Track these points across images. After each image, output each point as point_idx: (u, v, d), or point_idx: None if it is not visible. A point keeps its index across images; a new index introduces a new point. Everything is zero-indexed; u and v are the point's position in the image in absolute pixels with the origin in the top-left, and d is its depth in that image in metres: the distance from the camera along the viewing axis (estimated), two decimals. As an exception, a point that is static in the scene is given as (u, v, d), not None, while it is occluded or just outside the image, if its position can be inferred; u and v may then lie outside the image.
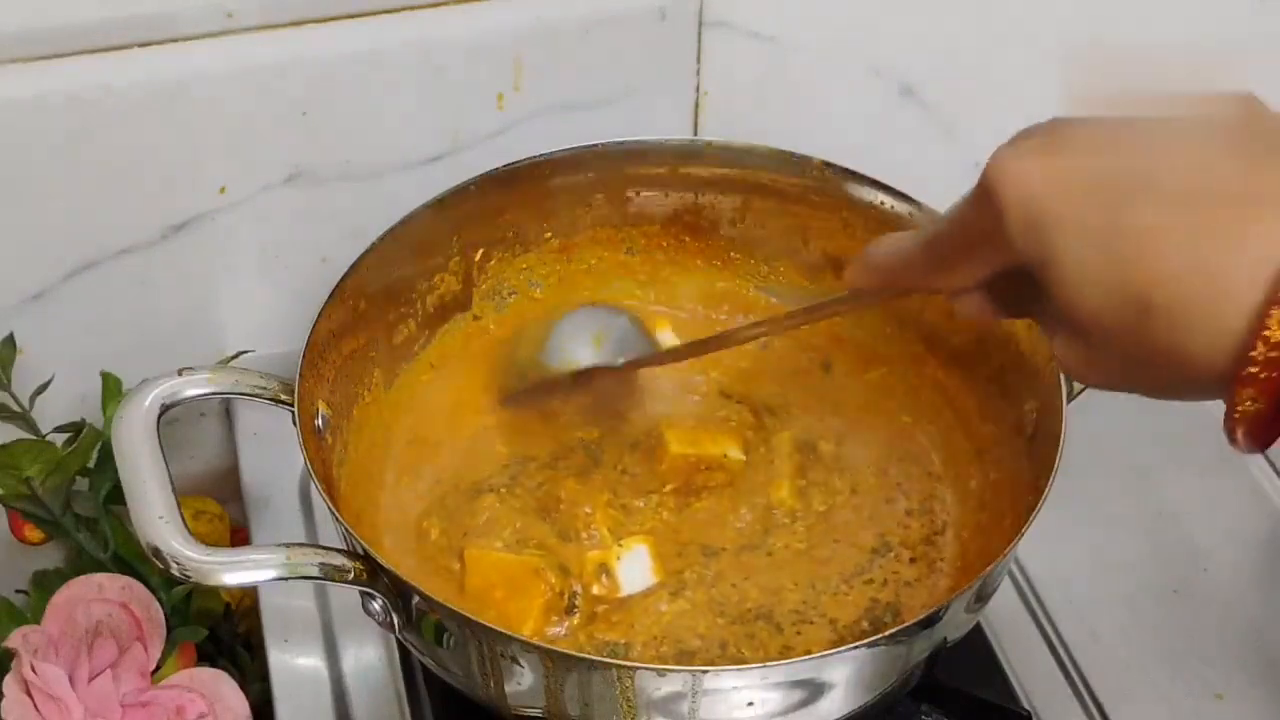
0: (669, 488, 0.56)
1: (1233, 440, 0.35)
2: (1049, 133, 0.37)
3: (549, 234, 0.63)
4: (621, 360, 0.56)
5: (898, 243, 0.44)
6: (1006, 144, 0.37)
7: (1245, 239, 0.33)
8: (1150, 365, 0.35)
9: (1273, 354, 0.32)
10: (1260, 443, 0.35)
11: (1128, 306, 0.35)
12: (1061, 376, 0.51)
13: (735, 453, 0.57)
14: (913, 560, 0.55)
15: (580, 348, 0.57)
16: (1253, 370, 0.33)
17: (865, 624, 0.52)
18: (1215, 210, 0.33)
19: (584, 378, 0.56)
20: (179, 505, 0.45)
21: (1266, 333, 0.32)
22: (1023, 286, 0.39)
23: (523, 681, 0.45)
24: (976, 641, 0.57)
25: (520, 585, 0.51)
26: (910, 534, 0.56)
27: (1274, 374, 0.33)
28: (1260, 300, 0.32)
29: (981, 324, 0.56)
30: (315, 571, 0.45)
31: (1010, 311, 0.43)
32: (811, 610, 0.52)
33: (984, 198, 0.38)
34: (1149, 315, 0.34)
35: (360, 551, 0.46)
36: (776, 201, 0.62)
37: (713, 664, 0.49)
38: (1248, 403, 0.33)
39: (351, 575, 0.46)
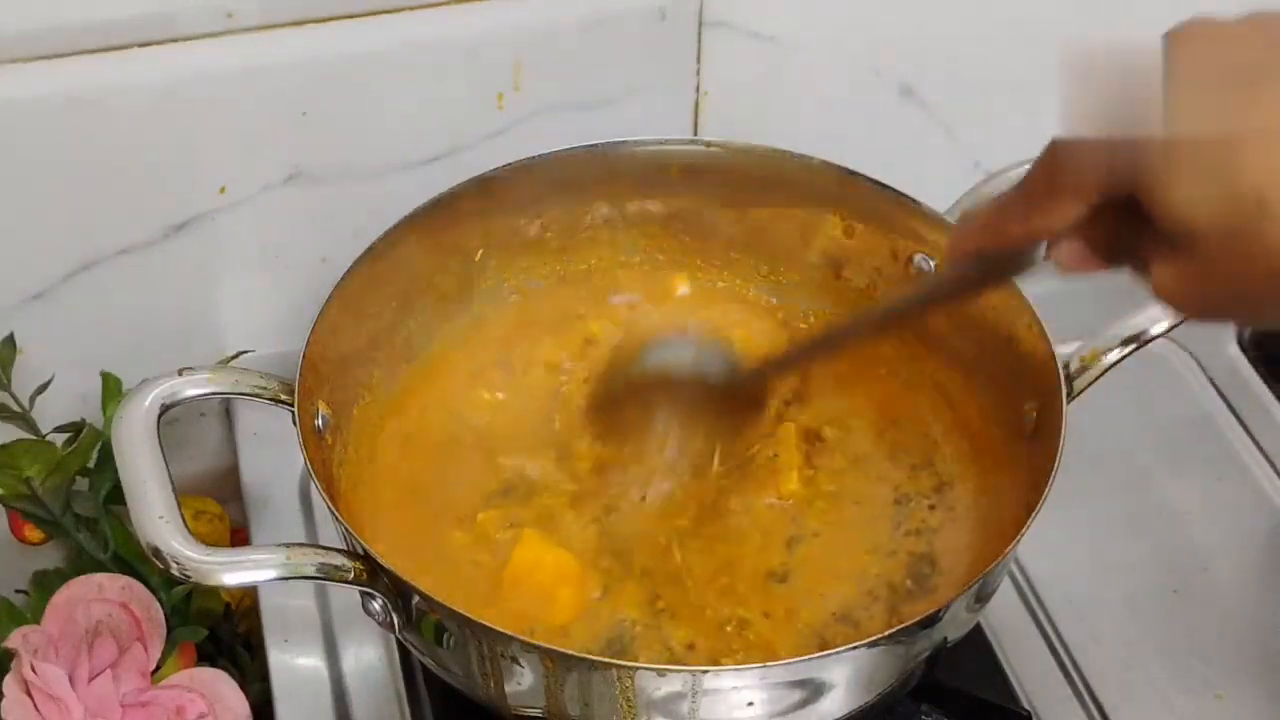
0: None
1: None
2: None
3: (549, 234, 0.63)
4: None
5: (989, 201, 0.43)
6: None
7: None
8: (1264, 276, 0.35)
9: None
10: None
11: (1244, 204, 0.34)
12: (1061, 376, 0.51)
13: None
14: (931, 508, 0.56)
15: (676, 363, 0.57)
16: None
17: (909, 582, 0.53)
18: None
19: (675, 389, 0.56)
20: (179, 505, 0.45)
21: None
22: (1122, 225, 0.38)
23: (523, 681, 0.46)
24: (976, 641, 0.57)
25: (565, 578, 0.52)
26: (921, 484, 0.57)
27: None
28: None
29: (1003, 316, 0.55)
30: (315, 571, 0.45)
31: (1112, 256, 0.42)
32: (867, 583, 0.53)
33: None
34: (1264, 213, 0.34)
35: (360, 551, 0.46)
36: (776, 202, 0.62)
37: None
38: None
39: (351, 575, 0.46)
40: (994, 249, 0.43)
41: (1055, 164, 0.40)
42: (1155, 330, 0.53)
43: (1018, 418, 0.55)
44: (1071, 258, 0.42)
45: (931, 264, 0.59)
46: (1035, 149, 0.40)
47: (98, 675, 0.55)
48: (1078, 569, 0.62)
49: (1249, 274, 0.35)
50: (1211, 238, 0.35)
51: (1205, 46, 0.36)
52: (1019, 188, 0.41)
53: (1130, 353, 0.53)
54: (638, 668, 0.43)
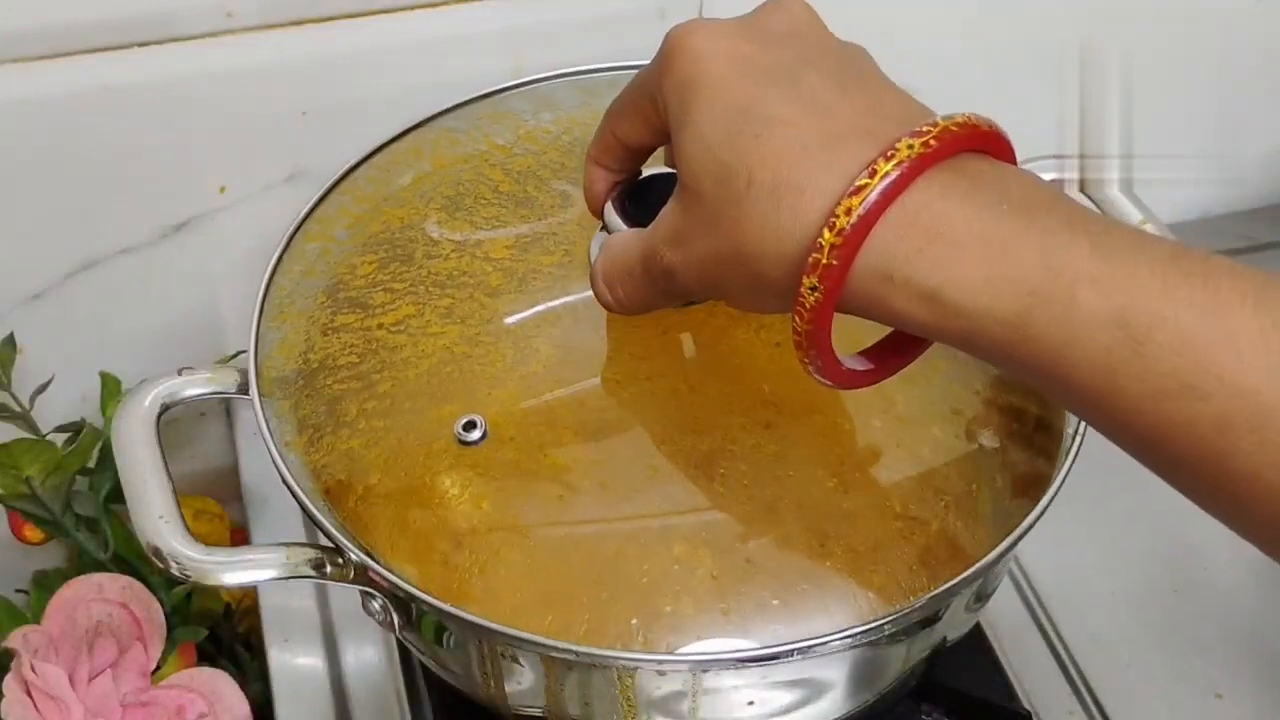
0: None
1: (801, 351, 0.37)
2: (743, 22, 0.39)
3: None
4: None
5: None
6: (700, 20, 0.39)
7: (847, 154, 0.35)
8: (738, 251, 0.36)
9: (837, 240, 0.34)
10: (817, 348, 0.37)
11: (738, 177, 0.36)
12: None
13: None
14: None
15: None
16: (816, 256, 0.34)
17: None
18: (837, 126, 0.36)
19: None
20: (179, 505, 0.45)
21: (834, 219, 0.34)
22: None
23: (523, 680, 0.45)
24: (976, 641, 0.57)
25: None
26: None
27: (835, 262, 0.34)
28: (839, 194, 0.34)
29: None
30: (315, 571, 0.45)
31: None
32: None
33: (659, 57, 0.39)
34: (750, 189, 0.35)
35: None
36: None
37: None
38: (807, 291, 0.35)
39: (351, 574, 0.46)
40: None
41: (643, 86, 0.41)
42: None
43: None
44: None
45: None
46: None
47: (98, 675, 0.55)
48: (1078, 569, 0.62)
49: (731, 246, 0.37)
50: (706, 197, 0.37)
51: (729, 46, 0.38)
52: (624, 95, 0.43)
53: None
54: (638, 667, 0.43)
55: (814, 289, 0.35)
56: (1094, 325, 0.33)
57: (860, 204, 0.34)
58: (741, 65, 0.37)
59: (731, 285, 0.38)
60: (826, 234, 0.34)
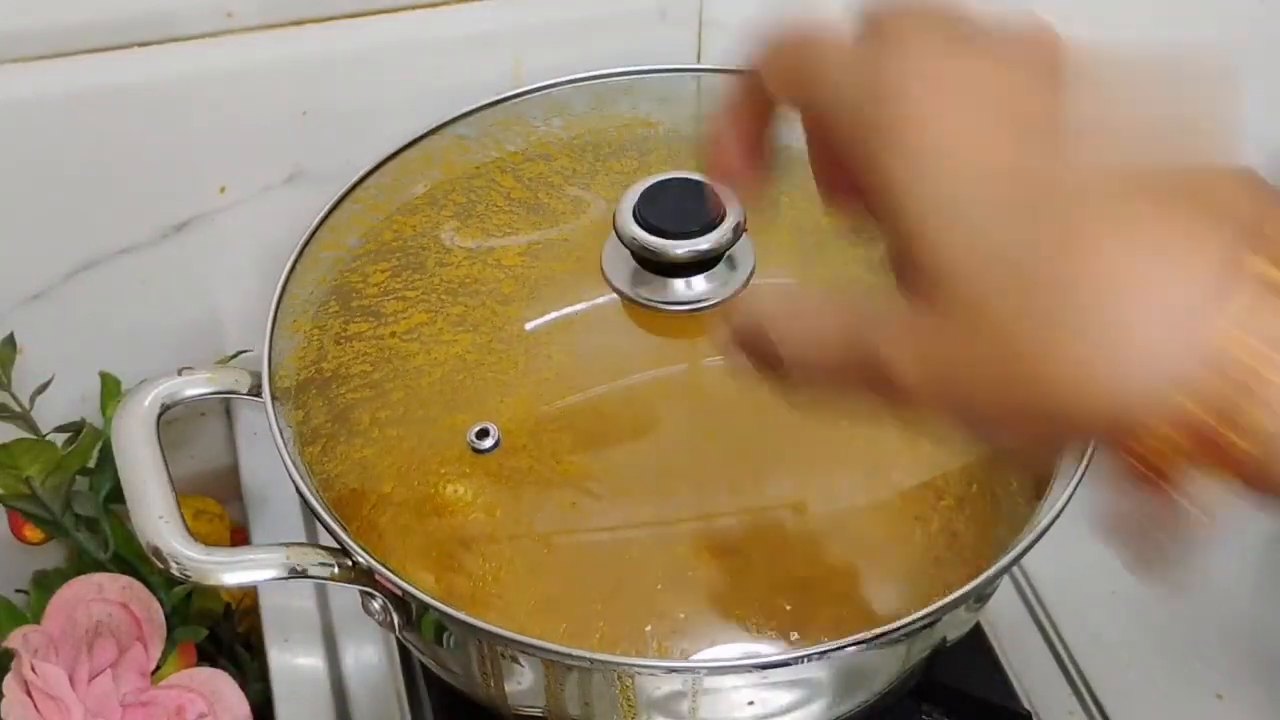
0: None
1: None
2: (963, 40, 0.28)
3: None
4: None
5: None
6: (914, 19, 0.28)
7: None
8: (1038, 378, 0.26)
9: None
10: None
11: (1043, 289, 0.26)
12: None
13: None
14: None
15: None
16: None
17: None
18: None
19: None
20: (179, 505, 0.45)
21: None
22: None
23: (523, 681, 0.45)
24: (976, 641, 0.57)
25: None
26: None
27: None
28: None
29: None
30: (315, 571, 0.45)
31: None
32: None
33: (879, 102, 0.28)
34: (1069, 306, 0.26)
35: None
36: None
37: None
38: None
39: (352, 575, 0.46)
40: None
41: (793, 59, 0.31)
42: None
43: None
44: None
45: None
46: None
47: (98, 675, 0.55)
48: (1078, 569, 0.62)
49: (1006, 357, 0.26)
50: (982, 303, 0.26)
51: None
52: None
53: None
54: (638, 667, 0.43)
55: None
56: None
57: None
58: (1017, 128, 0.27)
59: (997, 413, 0.28)
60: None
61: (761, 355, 0.31)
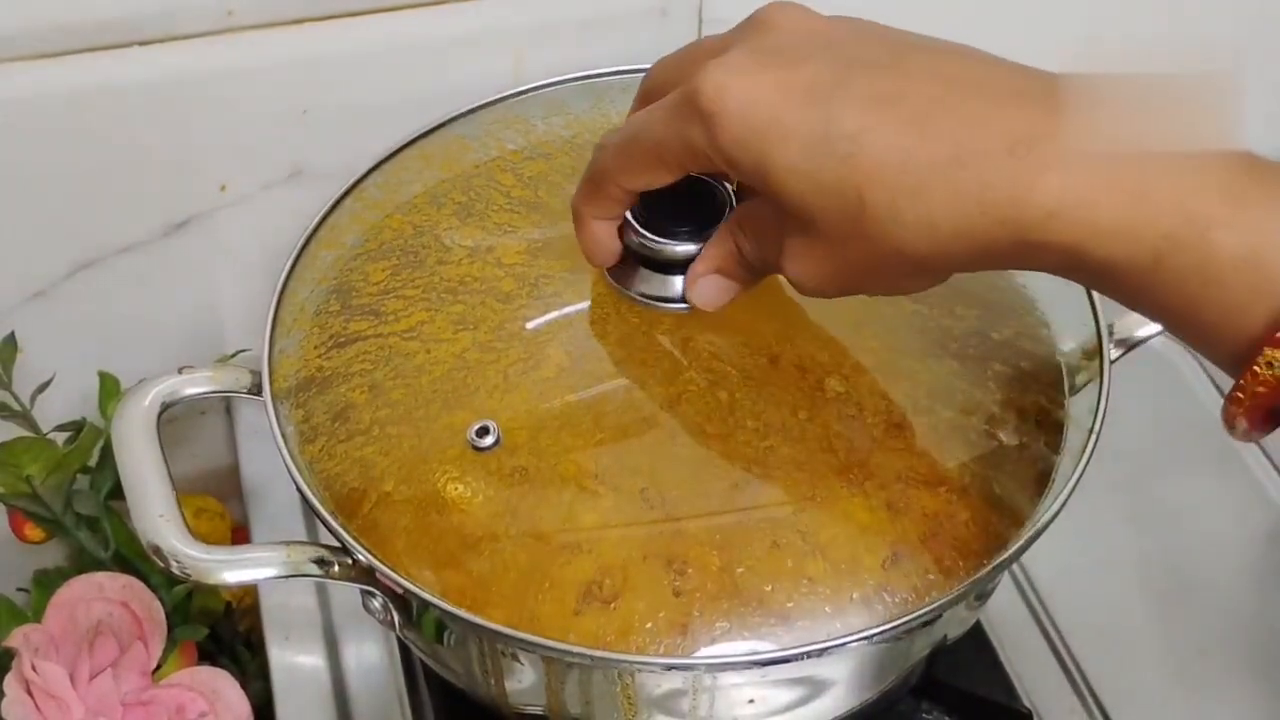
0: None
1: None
2: (754, 49, 0.39)
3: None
4: None
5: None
6: (715, 63, 0.38)
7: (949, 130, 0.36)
8: (880, 257, 0.37)
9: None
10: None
11: (849, 204, 0.37)
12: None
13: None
14: None
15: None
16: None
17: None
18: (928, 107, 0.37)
19: None
20: (179, 503, 0.45)
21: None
22: (750, 237, 0.43)
23: (523, 679, 0.46)
24: (977, 640, 0.58)
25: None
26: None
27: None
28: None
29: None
30: (315, 569, 0.45)
31: (749, 269, 0.44)
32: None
33: (692, 114, 0.38)
34: (864, 207, 0.36)
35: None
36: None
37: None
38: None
39: (352, 573, 0.46)
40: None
41: (667, 142, 0.40)
42: (1154, 329, 0.52)
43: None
44: (710, 292, 0.45)
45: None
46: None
47: (98, 674, 0.55)
48: (1078, 567, 0.62)
49: (867, 254, 0.38)
50: (827, 219, 0.37)
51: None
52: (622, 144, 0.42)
53: (1126, 352, 0.53)
54: (639, 666, 0.43)
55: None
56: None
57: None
58: (784, 94, 0.37)
59: (874, 285, 0.40)
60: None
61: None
